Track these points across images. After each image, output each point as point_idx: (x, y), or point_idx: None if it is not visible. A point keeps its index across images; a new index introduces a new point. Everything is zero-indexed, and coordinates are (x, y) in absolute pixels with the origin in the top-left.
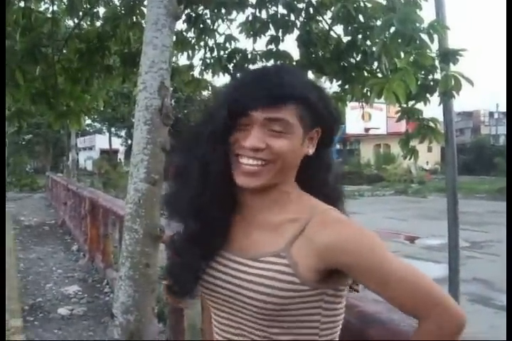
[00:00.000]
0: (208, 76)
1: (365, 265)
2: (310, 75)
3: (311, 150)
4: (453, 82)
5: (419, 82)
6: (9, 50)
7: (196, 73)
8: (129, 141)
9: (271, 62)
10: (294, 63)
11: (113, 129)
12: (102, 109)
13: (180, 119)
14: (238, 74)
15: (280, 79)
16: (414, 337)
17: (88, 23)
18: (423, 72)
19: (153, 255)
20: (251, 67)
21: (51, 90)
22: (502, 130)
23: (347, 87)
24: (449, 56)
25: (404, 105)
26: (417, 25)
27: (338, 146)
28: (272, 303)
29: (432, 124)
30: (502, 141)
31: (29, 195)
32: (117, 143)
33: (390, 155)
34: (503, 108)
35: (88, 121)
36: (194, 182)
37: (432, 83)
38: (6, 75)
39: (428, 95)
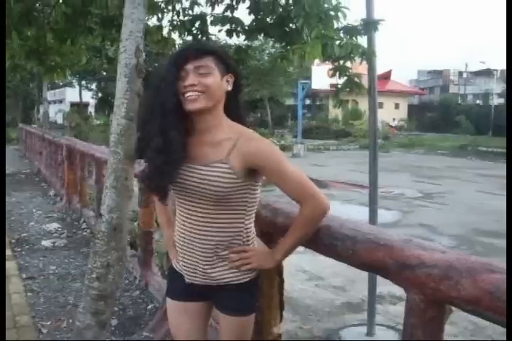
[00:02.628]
0: (174, 36)
1: (271, 167)
2: (259, 38)
3: (229, 87)
4: (350, 49)
5: (336, 46)
6: (6, 14)
7: (165, 33)
8: (100, 94)
9: (226, 27)
10: (246, 28)
11: (83, 82)
12: (84, 63)
13: (151, 72)
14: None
15: (200, 44)
16: (298, 215)
17: None
18: (329, 41)
19: (130, 171)
20: (210, 29)
21: (42, 48)
22: (470, 89)
23: (289, 48)
24: (369, 25)
25: (336, 64)
26: (325, 6)
27: (307, 101)
28: (220, 191)
29: (356, 79)
30: (470, 99)
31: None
32: (87, 96)
33: (357, 112)
34: (472, 68)
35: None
36: (158, 115)
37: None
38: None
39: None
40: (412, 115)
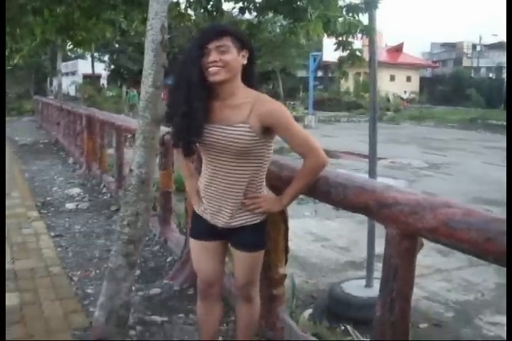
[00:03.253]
0: (190, 12)
1: (282, 125)
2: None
3: (245, 61)
4: (348, 26)
5: (338, 23)
6: None
7: (182, 9)
8: (112, 66)
9: (239, 4)
10: (257, 5)
11: (96, 54)
12: (107, 39)
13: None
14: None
15: (219, 26)
16: (302, 167)
17: None
18: (331, 19)
19: (157, 132)
20: (224, 5)
21: (70, 24)
22: (483, 62)
23: (296, 24)
24: (370, 4)
25: (340, 38)
26: None
27: (319, 73)
28: (242, 147)
29: (358, 53)
30: (483, 72)
31: (17, 119)
32: (100, 68)
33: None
34: (486, 40)
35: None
36: (185, 86)
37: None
38: (36, 14)
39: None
40: (423, 88)
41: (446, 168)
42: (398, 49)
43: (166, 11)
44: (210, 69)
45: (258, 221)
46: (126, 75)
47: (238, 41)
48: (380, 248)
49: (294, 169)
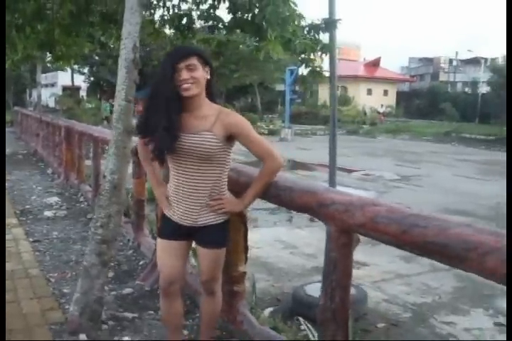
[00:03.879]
0: (166, 30)
1: (243, 134)
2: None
3: (208, 76)
4: (305, 46)
5: (296, 44)
6: (21, 12)
7: (156, 26)
8: (92, 78)
9: (209, 23)
10: (226, 24)
11: (76, 66)
12: (86, 53)
13: (140, 57)
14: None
15: (186, 47)
16: (261, 169)
17: None
18: (289, 40)
19: (128, 142)
20: (195, 25)
21: (51, 40)
22: (459, 77)
23: (260, 43)
24: (329, 24)
25: (302, 56)
26: (284, 12)
27: (298, 87)
28: (207, 152)
29: (318, 69)
30: (459, 87)
31: None
32: (79, 80)
33: (346, 97)
34: (462, 56)
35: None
36: (162, 102)
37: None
38: (18, 30)
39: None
40: (400, 102)
41: (418, 179)
42: (375, 63)
43: (138, 31)
44: (184, 86)
45: (221, 221)
46: (106, 87)
47: (202, 59)
48: None
49: (251, 175)
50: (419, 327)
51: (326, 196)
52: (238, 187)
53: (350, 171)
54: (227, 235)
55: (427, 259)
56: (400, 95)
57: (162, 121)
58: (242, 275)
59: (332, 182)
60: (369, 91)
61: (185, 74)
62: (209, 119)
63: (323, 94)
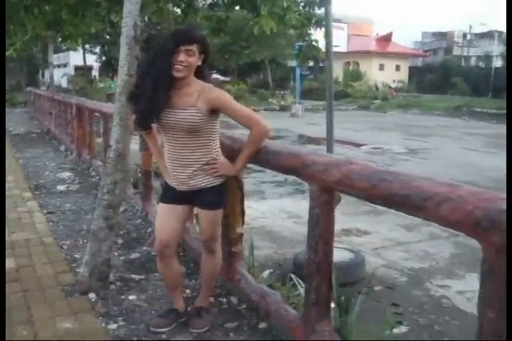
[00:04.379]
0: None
1: (225, 106)
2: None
3: (199, 63)
4: (299, 21)
5: (289, 19)
6: None
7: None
8: (103, 58)
9: (209, 0)
10: (225, 1)
11: (87, 46)
12: (93, 32)
13: (151, 36)
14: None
15: (191, 33)
16: (248, 136)
17: None
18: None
19: (130, 113)
20: (195, 3)
21: (59, 20)
22: (473, 51)
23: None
24: (322, 1)
25: (298, 31)
26: None
27: (310, 63)
28: (192, 125)
29: (314, 44)
30: (473, 61)
31: (11, 110)
32: (91, 60)
33: (358, 73)
34: (476, 30)
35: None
36: (154, 75)
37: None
38: (27, 11)
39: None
40: (413, 77)
41: (425, 153)
42: (387, 38)
43: (138, 10)
44: (176, 67)
45: (216, 184)
46: (118, 66)
47: (201, 47)
48: (348, 224)
49: (244, 142)
50: (414, 289)
51: (308, 158)
52: (233, 153)
53: (358, 145)
54: (223, 197)
55: (427, 228)
56: (412, 70)
57: (149, 94)
58: (240, 236)
59: (329, 151)
60: (381, 67)
61: (182, 57)
62: (193, 95)
63: (336, 69)
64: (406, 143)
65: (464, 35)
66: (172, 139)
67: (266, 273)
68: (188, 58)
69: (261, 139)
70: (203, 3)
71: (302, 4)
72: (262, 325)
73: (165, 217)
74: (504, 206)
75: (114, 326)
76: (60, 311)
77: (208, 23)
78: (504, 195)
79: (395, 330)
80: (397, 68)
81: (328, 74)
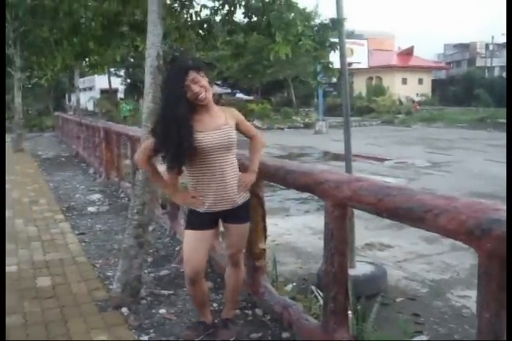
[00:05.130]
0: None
1: (241, 120)
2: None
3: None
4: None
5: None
6: (59, 28)
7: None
8: (128, 80)
9: (228, 27)
10: (243, 27)
11: (112, 69)
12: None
13: (176, 57)
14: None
15: (197, 60)
16: (253, 144)
17: (105, 5)
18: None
19: None
20: (214, 30)
21: (86, 51)
22: (496, 62)
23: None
24: (336, 23)
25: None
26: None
27: (333, 79)
28: (232, 140)
29: (329, 65)
30: (497, 71)
31: (40, 134)
32: (117, 83)
33: (381, 88)
34: (499, 39)
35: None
36: (173, 103)
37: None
38: (57, 44)
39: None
40: (436, 89)
41: (448, 166)
42: (409, 52)
43: (161, 41)
44: (200, 97)
45: (247, 199)
46: (143, 89)
47: (201, 71)
48: (371, 238)
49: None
50: (435, 300)
51: (321, 176)
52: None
53: (382, 160)
54: (250, 211)
55: (448, 240)
56: (435, 83)
57: (175, 138)
58: (263, 252)
59: (348, 168)
60: (404, 81)
61: (195, 87)
62: (221, 116)
63: (359, 85)
64: (429, 156)
65: (487, 46)
66: (213, 161)
67: (289, 286)
68: (200, 84)
69: (262, 146)
70: (222, 30)
71: (316, 28)
72: (285, 335)
73: (194, 245)
74: (495, 216)
75: (145, 338)
76: (95, 325)
77: (227, 47)
78: (497, 206)
79: (416, 339)
80: (420, 81)
81: (343, 93)
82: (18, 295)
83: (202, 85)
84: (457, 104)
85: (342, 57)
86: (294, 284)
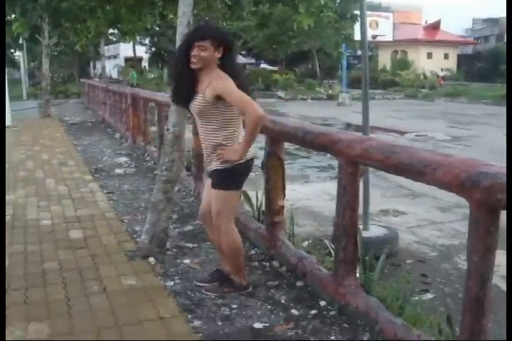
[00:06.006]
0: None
1: (225, 92)
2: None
3: (219, 55)
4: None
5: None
6: None
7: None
8: (153, 49)
9: None
10: None
11: (137, 38)
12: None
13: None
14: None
15: (203, 29)
16: (246, 121)
17: None
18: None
19: None
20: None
21: (118, 19)
22: None
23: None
24: None
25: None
26: None
27: (358, 52)
28: (198, 109)
29: (350, 37)
30: None
31: (65, 101)
32: (141, 51)
33: (405, 61)
34: None
35: (111, 30)
36: (176, 68)
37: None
38: (91, 12)
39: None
40: (462, 65)
41: (468, 140)
42: (435, 26)
43: (191, 10)
44: (192, 60)
45: (222, 168)
46: (167, 57)
47: (216, 41)
48: (387, 205)
49: (284, 123)
50: (443, 263)
51: (336, 136)
52: (273, 133)
53: (403, 133)
54: (231, 180)
55: (461, 209)
56: (461, 58)
57: (176, 81)
58: (281, 208)
59: (365, 130)
60: (429, 55)
61: (195, 52)
62: (205, 84)
63: (383, 58)
64: (450, 130)
65: None
66: (198, 124)
67: (305, 243)
68: (200, 53)
69: (253, 124)
70: (248, 0)
71: (339, 1)
72: (299, 283)
73: (204, 191)
74: (483, 169)
75: (171, 283)
76: (124, 271)
77: (253, 17)
78: (486, 162)
79: (422, 297)
80: (446, 56)
81: (363, 64)
82: (52, 245)
83: (201, 54)
84: (483, 80)
85: (362, 29)
86: (310, 241)
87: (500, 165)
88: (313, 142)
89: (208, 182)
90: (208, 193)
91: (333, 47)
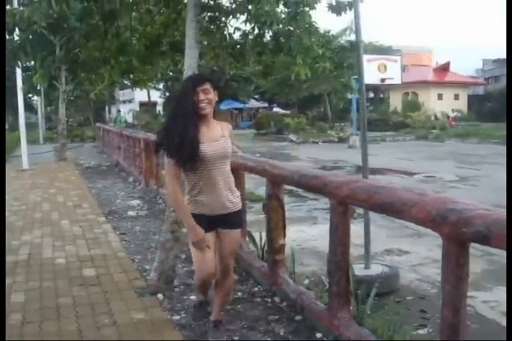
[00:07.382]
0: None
1: (232, 135)
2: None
3: (216, 98)
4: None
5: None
6: (107, 49)
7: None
8: (167, 93)
9: (258, 49)
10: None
11: (151, 83)
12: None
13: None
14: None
15: (203, 75)
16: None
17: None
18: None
19: None
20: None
21: (131, 69)
22: None
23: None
24: (354, 45)
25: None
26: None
27: (370, 95)
28: (229, 151)
29: (348, 84)
30: None
31: (81, 145)
32: (155, 96)
33: (416, 103)
34: None
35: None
36: (183, 117)
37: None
38: (105, 62)
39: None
40: (472, 105)
41: (475, 180)
42: (445, 68)
43: (196, 63)
44: (201, 106)
45: (240, 207)
46: None
47: (214, 84)
48: (390, 245)
49: (283, 168)
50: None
51: (327, 179)
52: (273, 177)
53: (412, 174)
54: (243, 219)
55: None
56: (471, 98)
57: (186, 135)
58: (282, 247)
59: (365, 173)
60: (439, 96)
61: (202, 96)
62: (218, 129)
63: (394, 100)
64: (458, 171)
65: None
66: (215, 168)
67: (306, 281)
68: (206, 96)
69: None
70: (252, 51)
71: (336, 50)
72: (298, 317)
73: (201, 251)
74: (451, 206)
75: (177, 317)
76: (134, 306)
77: (257, 66)
78: (455, 199)
79: (420, 331)
80: (456, 97)
81: (361, 109)
82: (67, 282)
83: (207, 97)
84: (494, 120)
85: (360, 77)
86: (313, 279)
87: (467, 202)
88: (308, 184)
89: (209, 235)
90: (212, 248)
91: (334, 93)
